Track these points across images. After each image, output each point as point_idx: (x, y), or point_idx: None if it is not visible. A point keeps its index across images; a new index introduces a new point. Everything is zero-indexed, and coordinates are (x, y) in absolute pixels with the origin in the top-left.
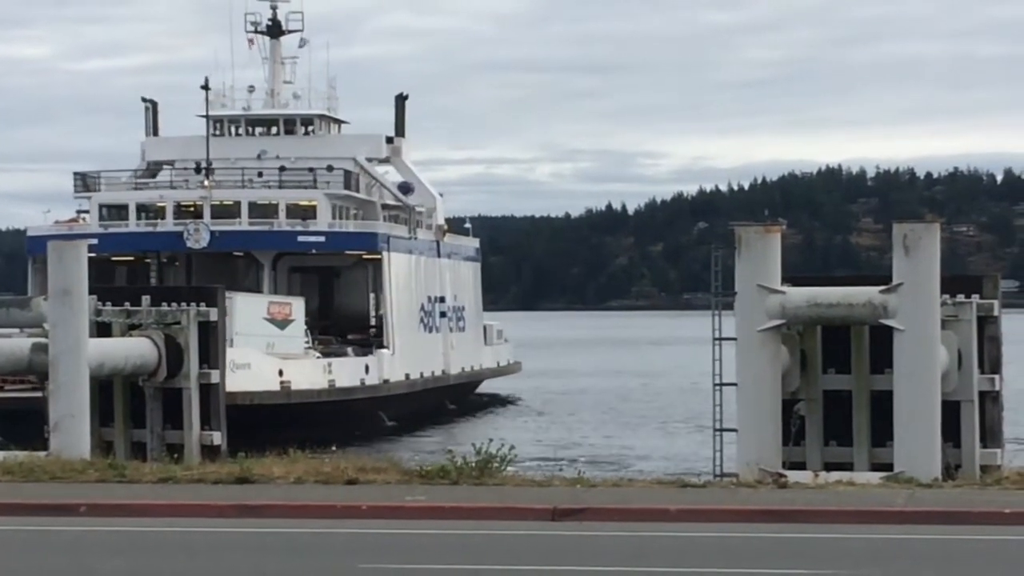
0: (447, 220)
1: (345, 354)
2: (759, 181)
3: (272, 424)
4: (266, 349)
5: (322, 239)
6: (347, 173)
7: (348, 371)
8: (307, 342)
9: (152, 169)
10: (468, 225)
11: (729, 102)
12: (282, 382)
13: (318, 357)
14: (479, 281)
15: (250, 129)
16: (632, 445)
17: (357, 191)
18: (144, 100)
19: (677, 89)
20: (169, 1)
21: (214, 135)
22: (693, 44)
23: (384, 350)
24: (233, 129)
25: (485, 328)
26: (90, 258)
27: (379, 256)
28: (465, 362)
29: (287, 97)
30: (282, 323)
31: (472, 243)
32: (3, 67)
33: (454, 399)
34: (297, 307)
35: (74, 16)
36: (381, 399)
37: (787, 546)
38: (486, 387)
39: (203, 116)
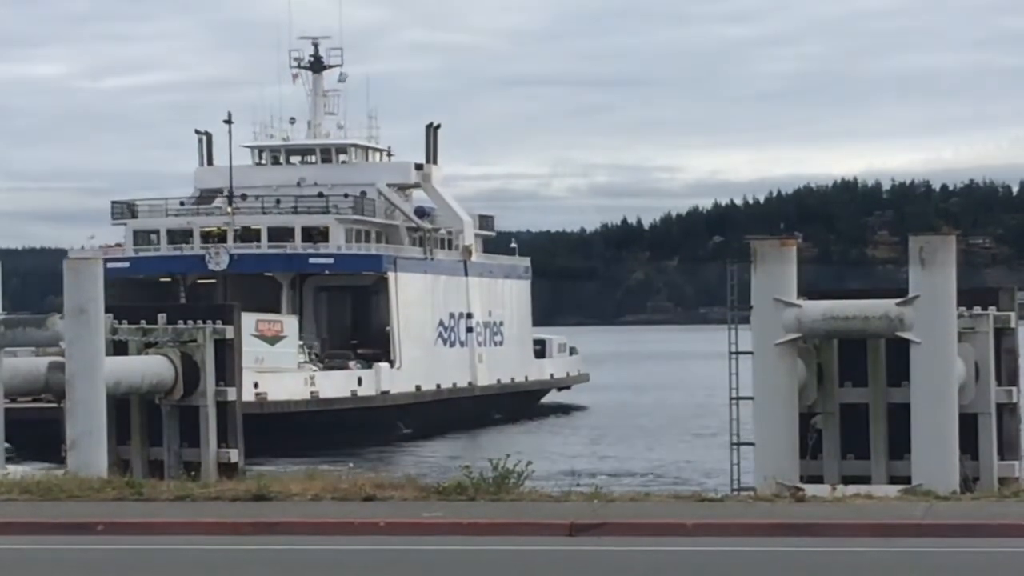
0: (495, 240)
1: (347, 368)
2: (774, 194)
3: (244, 433)
4: (254, 364)
5: (331, 260)
6: (357, 199)
7: (335, 384)
8: (303, 357)
9: (205, 196)
10: (514, 245)
11: (744, 116)
12: (257, 394)
13: (314, 371)
14: (526, 297)
15: (290, 158)
16: (654, 458)
17: (372, 216)
18: (197, 132)
19: (692, 103)
20: (185, 20)
21: (259, 164)
22: (708, 58)
23: (384, 364)
24: (275, 158)
25: (545, 342)
26: (140, 279)
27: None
28: (502, 374)
29: (328, 127)
30: (272, 339)
31: (519, 262)
32: (18, 87)
33: (500, 409)
34: (289, 324)
35: (90, 35)
36: (376, 409)
37: (805, 560)
38: (552, 397)
39: (247, 147)
